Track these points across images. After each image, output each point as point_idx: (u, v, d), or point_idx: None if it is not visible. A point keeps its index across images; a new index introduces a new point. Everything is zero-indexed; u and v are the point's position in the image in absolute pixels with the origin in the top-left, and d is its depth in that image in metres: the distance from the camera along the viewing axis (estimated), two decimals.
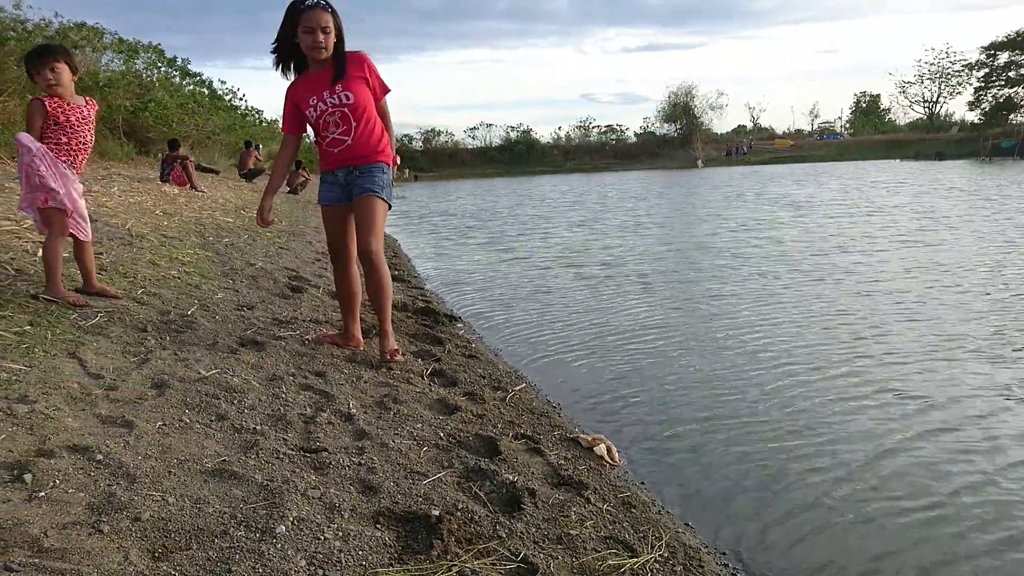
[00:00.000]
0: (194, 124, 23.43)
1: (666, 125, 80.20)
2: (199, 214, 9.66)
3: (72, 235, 4.25)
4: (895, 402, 4.03)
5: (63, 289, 4.14)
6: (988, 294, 6.70)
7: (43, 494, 2.14)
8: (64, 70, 4.05)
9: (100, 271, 4.99)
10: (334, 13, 3.81)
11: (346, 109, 3.89)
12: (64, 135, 4.07)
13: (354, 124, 3.93)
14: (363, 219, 3.98)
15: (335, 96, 3.88)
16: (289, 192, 19.32)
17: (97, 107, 4.39)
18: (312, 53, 3.81)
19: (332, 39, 3.82)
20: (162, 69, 24.12)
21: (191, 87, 25.94)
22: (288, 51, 3.92)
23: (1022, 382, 4.24)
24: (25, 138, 3.97)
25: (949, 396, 4.08)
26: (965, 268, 8.11)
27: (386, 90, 4.11)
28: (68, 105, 4.08)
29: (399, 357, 4.17)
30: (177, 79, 24.98)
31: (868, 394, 4.16)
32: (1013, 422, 3.68)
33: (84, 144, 4.19)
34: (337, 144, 3.96)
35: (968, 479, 3.10)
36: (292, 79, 4.05)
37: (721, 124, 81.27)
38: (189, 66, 25.58)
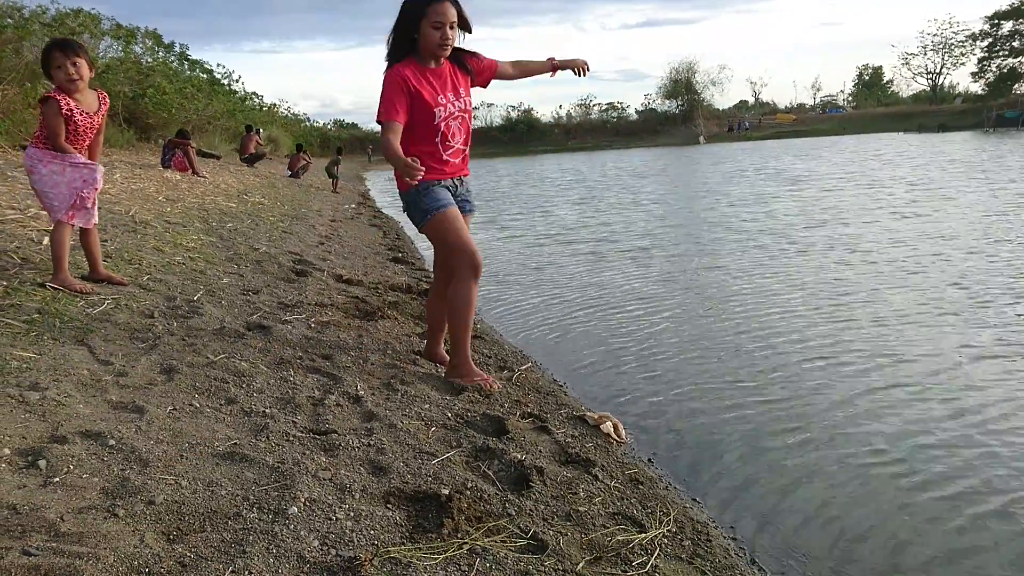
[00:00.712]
0: (193, 109, 23.38)
1: (667, 102, 79.71)
2: (202, 200, 9.66)
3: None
4: (903, 373, 4.04)
5: (70, 277, 4.16)
6: (969, 262, 6.70)
7: (58, 479, 2.17)
8: (84, 66, 4.05)
9: (105, 258, 5.01)
10: (457, 4, 3.41)
11: (466, 116, 3.60)
12: (67, 135, 4.08)
13: (467, 133, 3.65)
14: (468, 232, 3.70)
15: (461, 101, 3.54)
16: (291, 176, 19.29)
17: (108, 104, 4.37)
18: (439, 52, 3.40)
19: (455, 34, 3.45)
20: (160, 54, 24.04)
21: (189, 72, 25.86)
22: (407, 46, 3.44)
23: (1001, 340, 4.26)
24: (26, 158, 4.11)
25: (931, 354, 4.10)
26: (949, 238, 8.14)
27: (493, 60, 3.80)
28: (79, 106, 4.08)
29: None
30: (175, 64, 24.91)
31: (877, 365, 4.17)
32: (996, 381, 3.70)
33: (82, 147, 4.19)
34: (458, 154, 3.62)
35: (957, 435, 3.12)
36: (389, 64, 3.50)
37: (723, 100, 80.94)
38: (188, 51, 25.48)
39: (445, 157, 3.55)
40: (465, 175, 3.73)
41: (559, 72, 3.91)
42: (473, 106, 3.68)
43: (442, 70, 3.50)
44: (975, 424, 3.38)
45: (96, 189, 4.22)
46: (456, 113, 3.51)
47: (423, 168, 3.18)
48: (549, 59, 3.86)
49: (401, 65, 3.41)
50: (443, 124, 3.48)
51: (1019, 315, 5.05)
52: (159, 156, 14.36)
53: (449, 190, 3.60)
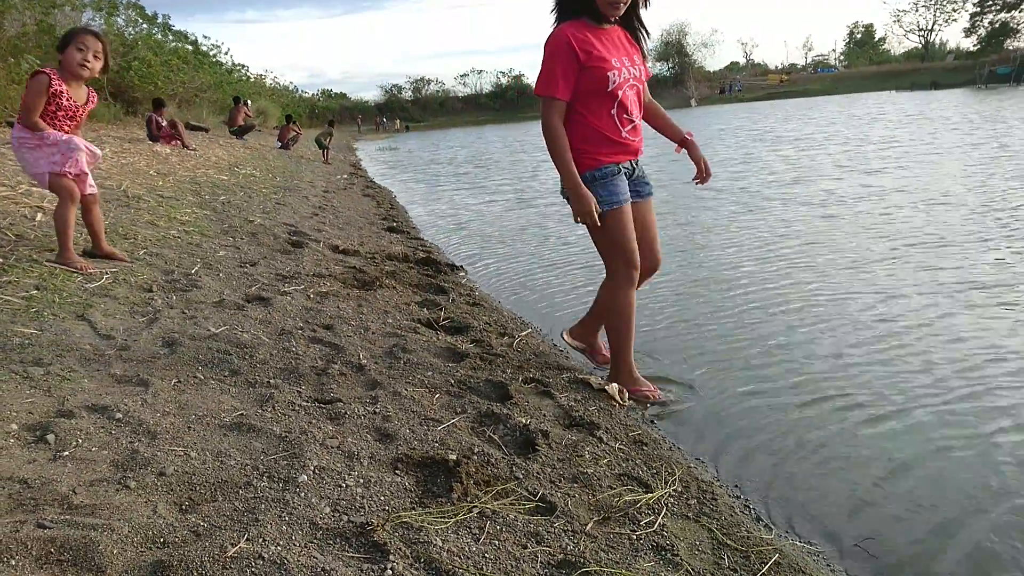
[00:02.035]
0: (180, 82, 23.10)
1: (658, 64, 79.14)
2: (193, 173, 9.58)
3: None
4: (901, 323, 4.07)
5: (75, 256, 4.13)
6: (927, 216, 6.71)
7: (67, 453, 2.17)
8: (100, 64, 3.99)
9: None
10: None
11: (640, 87, 3.12)
12: (47, 117, 4.00)
13: (641, 106, 3.17)
14: (652, 224, 3.37)
15: (636, 67, 3.06)
16: (281, 147, 19.14)
17: (95, 104, 4.29)
18: (610, 10, 2.93)
19: None
20: (143, 26, 23.68)
21: (174, 44, 25.50)
22: (579, 3, 2.97)
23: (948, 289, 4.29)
24: (12, 136, 4.05)
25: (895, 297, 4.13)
26: (912, 192, 8.14)
27: (649, 73, 3.29)
28: (69, 90, 4.00)
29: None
30: (159, 36, 24.54)
31: (872, 317, 4.19)
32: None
33: (63, 130, 4.11)
34: (637, 131, 3.16)
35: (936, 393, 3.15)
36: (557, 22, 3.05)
37: (714, 62, 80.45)
38: (171, 23, 25.09)
39: (624, 134, 3.06)
40: (641, 152, 3.25)
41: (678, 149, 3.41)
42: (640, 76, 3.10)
43: (613, 32, 3.04)
44: (966, 367, 3.41)
45: (77, 163, 4.11)
46: (631, 80, 3.03)
47: (596, 211, 2.96)
48: (687, 132, 3.35)
49: (568, 24, 2.96)
50: (619, 91, 2.98)
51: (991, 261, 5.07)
52: (145, 130, 14.21)
53: (627, 175, 3.17)
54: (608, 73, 2.93)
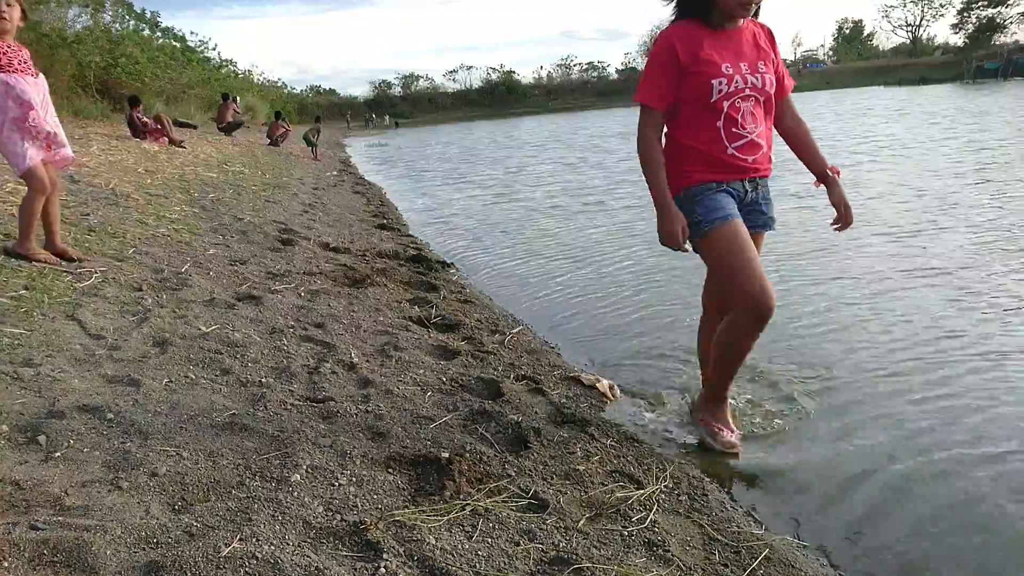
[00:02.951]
0: (167, 78, 22.95)
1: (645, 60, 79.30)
2: (182, 170, 9.54)
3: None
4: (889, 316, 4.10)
5: (34, 247, 4.09)
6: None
7: (59, 454, 2.17)
8: (17, 10, 3.89)
9: (88, 232, 4.97)
10: None
11: (762, 98, 2.64)
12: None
13: (764, 123, 2.68)
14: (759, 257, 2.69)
15: (757, 75, 2.59)
16: (270, 144, 19.07)
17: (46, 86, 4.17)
18: (738, 11, 2.54)
19: None
20: (130, 23, 23.50)
21: (162, 40, 25.33)
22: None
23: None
24: None
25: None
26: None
27: (791, 83, 2.82)
28: (4, 42, 3.87)
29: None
30: (147, 32, 24.37)
31: (864, 312, 4.22)
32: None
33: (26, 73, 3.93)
34: (753, 148, 2.63)
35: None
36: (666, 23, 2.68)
37: None
38: (159, 19, 24.91)
39: (732, 151, 2.61)
40: (763, 175, 2.74)
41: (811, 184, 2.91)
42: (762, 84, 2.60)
43: (738, 33, 2.62)
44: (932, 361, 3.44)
45: (29, 106, 3.93)
46: (747, 91, 2.57)
47: (683, 234, 2.56)
48: (832, 168, 2.79)
49: (677, 24, 2.62)
50: (726, 103, 2.55)
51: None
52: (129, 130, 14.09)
53: (734, 196, 2.67)
54: (713, 82, 2.52)
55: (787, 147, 2.87)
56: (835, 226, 2.81)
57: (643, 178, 2.67)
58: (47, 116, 4.04)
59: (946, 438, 2.86)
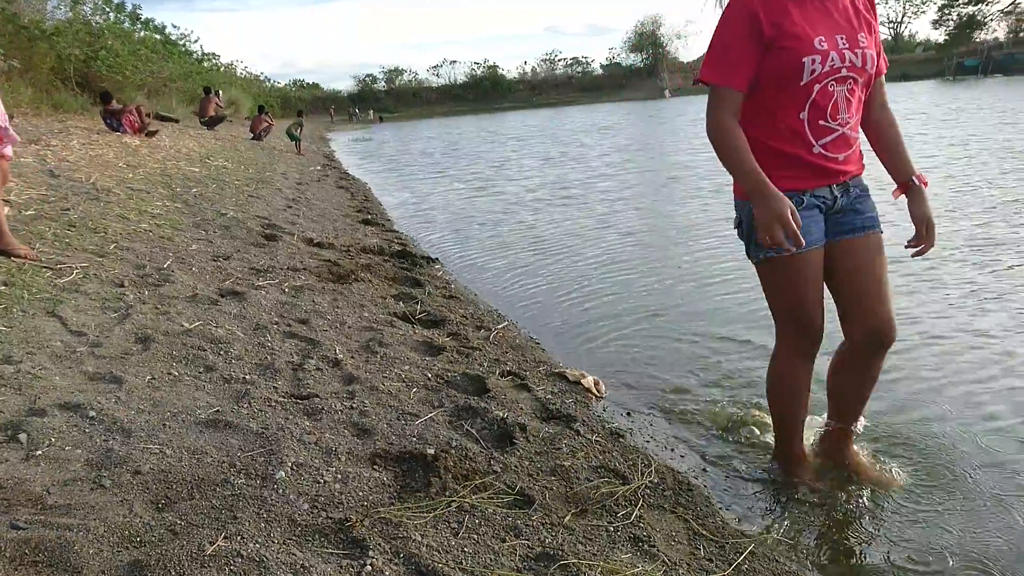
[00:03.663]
0: (148, 71, 22.72)
1: (632, 55, 79.48)
2: (163, 165, 9.45)
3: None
4: None
5: (12, 241, 4.02)
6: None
7: (40, 452, 2.15)
8: None
9: (69, 227, 4.92)
10: None
11: (862, 80, 2.15)
12: None
13: (858, 111, 2.19)
14: (873, 272, 2.26)
15: (857, 51, 2.10)
16: (253, 138, 18.93)
17: None
18: None
19: None
20: (110, 15, 23.25)
21: (142, 33, 25.09)
22: None
23: None
24: None
25: None
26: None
27: (886, 63, 2.27)
28: None
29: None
30: (127, 25, 24.13)
31: None
32: None
33: None
34: (843, 145, 2.17)
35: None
36: None
37: (688, 53, 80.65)
38: (139, 10, 24.68)
39: (818, 148, 2.13)
40: (855, 173, 2.25)
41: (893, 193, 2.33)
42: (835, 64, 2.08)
43: (831, 1, 2.13)
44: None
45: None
46: (844, 70, 2.09)
47: (796, 243, 2.02)
48: (918, 175, 2.26)
49: None
50: (816, 86, 2.08)
51: None
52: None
53: (820, 206, 2.20)
54: (804, 60, 2.04)
55: (868, 144, 2.33)
56: (912, 247, 2.27)
57: (724, 167, 2.16)
58: None
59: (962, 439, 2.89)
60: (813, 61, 2.04)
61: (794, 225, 1.99)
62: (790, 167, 2.14)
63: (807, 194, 2.17)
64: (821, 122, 2.12)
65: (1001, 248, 5.32)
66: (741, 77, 2.09)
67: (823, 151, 2.14)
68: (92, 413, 2.42)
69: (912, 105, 24.06)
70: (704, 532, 2.18)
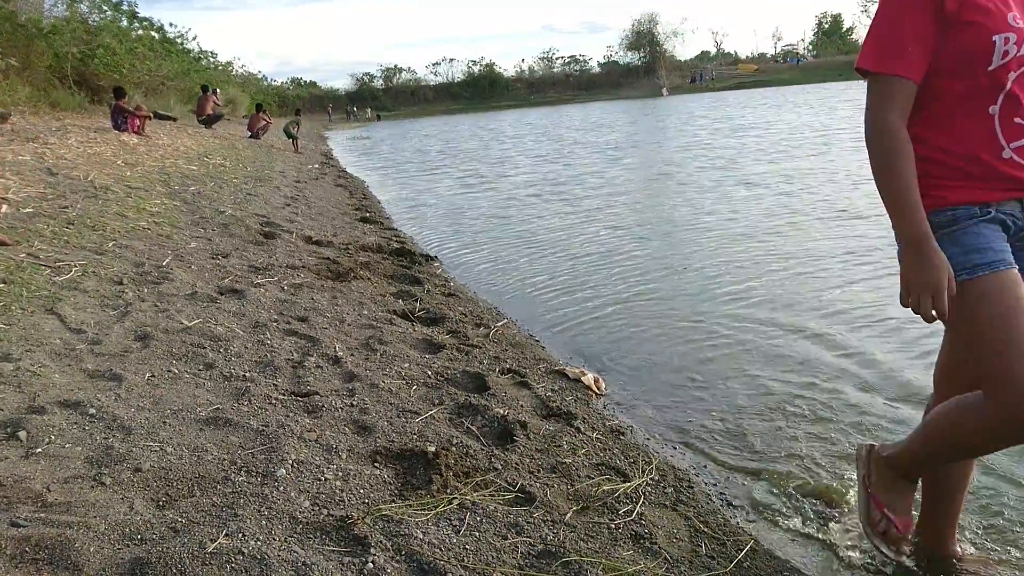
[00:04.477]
0: (146, 70, 22.68)
1: (629, 53, 79.51)
2: (162, 163, 9.44)
3: None
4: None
5: None
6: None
7: (40, 450, 2.14)
8: None
9: (68, 225, 4.92)
10: None
11: None
12: None
13: None
14: None
15: None
16: (251, 136, 18.91)
17: None
18: None
19: None
20: (108, 13, 23.20)
21: (140, 31, 25.04)
22: None
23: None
24: None
25: None
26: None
27: None
28: None
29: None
30: (124, 23, 24.07)
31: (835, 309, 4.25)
32: None
33: None
34: None
35: None
36: None
37: (684, 51, 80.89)
38: (136, 9, 24.63)
39: (1009, 153, 1.66)
40: None
41: None
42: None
43: None
44: None
45: None
46: None
47: (950, 285, 1.58)
48: None
49: None
50: (1012, 74, 1.63)
51: None
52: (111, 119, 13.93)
53: (1009, 223, 1.70)
54: (995, 38, 1.61)
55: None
56: None
57: (879, 192, 1.69)
58: None
59: None
60: (1006, 40, 1.61)
61: (945, 297, 1.58)
62: (975, 176, 1.68)
63: (991, 207, 1.68)
64: (1016, 120, 1.65)
65: None
66: (917, 63, 1.65)
67: (1015, 156, 1.66)
68: (92, 410, 2.42)
69: None
70: (705, 529, 2.18)
